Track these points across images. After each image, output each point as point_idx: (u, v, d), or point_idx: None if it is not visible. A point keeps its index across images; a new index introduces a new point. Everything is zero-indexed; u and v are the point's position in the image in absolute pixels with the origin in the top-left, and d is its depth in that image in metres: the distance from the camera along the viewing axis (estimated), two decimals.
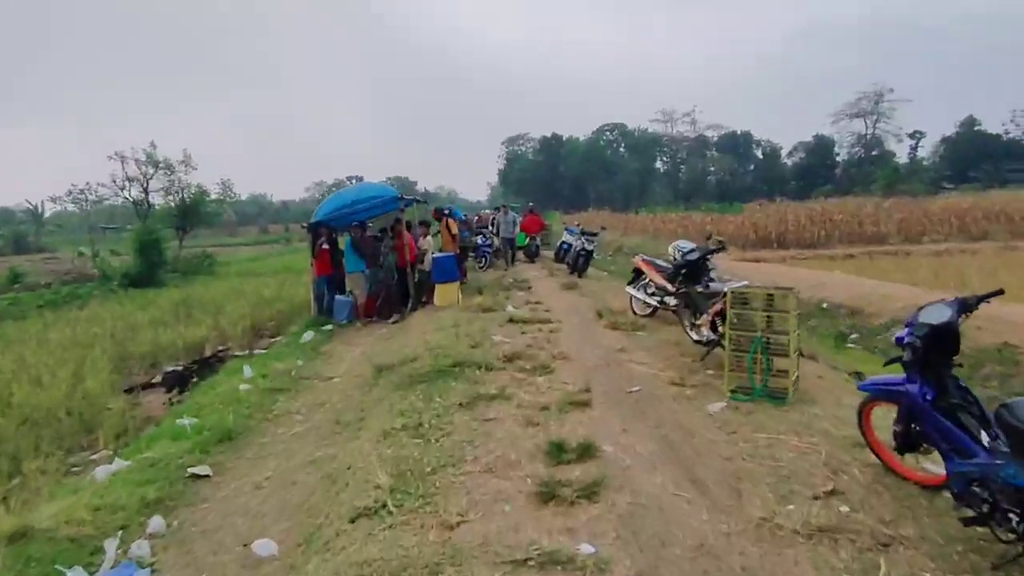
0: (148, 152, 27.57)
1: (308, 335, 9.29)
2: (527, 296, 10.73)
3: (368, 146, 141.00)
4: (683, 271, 6.93)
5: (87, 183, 36.34)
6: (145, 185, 28.18)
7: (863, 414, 3.62)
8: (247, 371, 7.03)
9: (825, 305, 9.91)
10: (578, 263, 13.70)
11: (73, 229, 62.05)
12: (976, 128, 69.93)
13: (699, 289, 6.49)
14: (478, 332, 7.46)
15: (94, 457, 5.71)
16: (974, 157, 63.81)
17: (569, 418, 4.57)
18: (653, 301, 8.37)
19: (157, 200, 28.63)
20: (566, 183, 75.88)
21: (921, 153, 74.17)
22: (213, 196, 29.83)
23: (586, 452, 3.85)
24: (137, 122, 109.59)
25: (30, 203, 63.06)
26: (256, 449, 4.94)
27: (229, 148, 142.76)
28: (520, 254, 18.32)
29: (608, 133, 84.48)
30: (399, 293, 10.72)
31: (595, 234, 14.25)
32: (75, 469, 5.40)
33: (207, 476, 4.37)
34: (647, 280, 8.66)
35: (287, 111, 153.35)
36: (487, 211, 28.91)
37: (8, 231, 58.64)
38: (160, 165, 27.71)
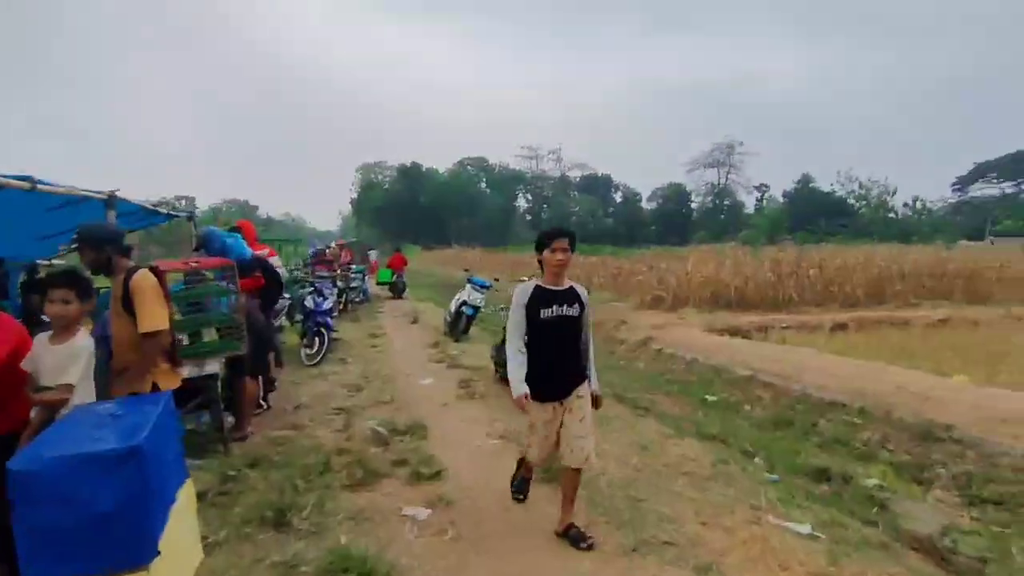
0: None
1: None
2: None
3: (201, 164, 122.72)
4: None
5: None
6: None
7: None
8: None
9: None
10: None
11: None
12: (811, 185, 74.18)
13: None
14: None
15: None
16: (810, 212, 67.41)
17: None
18: None
19: None
20: (426, 216, 69.03)
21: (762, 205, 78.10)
22: None
23: None
24: None
25: None
26: None
27: (35, 156, 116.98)
28: (382, 290, 18.70)
29: (469, 167, 79.43)
30: None
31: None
32: None
33: None
34: None
35: (108, 119, 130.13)
36: (332, 245, 20.61)
37: None
38: None
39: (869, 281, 16.92)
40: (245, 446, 4.56)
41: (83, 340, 2.92)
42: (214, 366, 4.33)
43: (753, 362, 8.77)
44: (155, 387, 3.03)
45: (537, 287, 3.24)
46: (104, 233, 3.14)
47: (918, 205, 63.68)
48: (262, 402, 5.65)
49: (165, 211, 6.43)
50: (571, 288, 3.27)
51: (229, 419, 4.81)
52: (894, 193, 62.98)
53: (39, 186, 3.41)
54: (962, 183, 72.05)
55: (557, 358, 3.19)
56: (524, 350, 3.15)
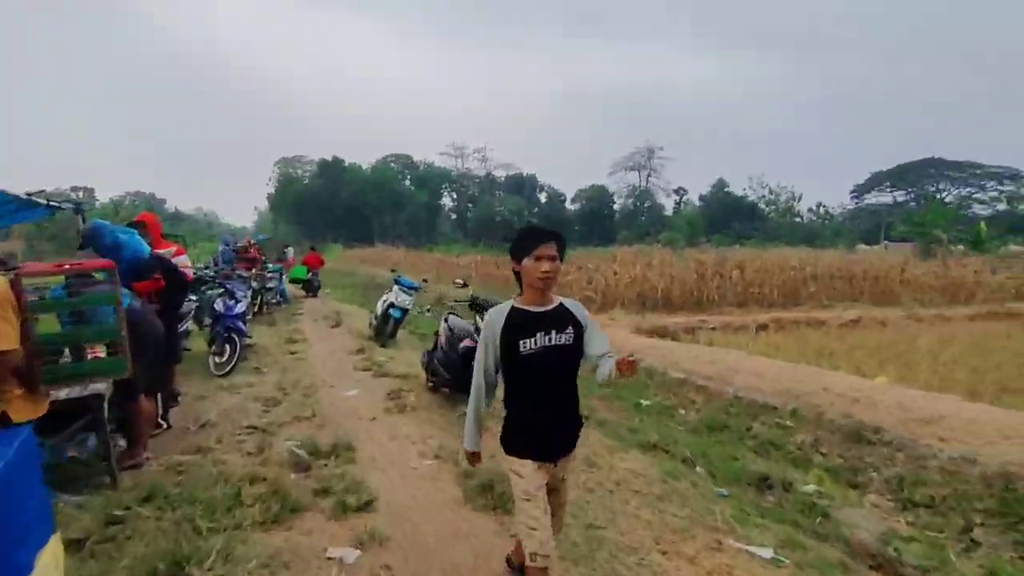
0: None
1: None
2: None
3: (104, 154, 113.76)
4: None
5: None
6: None
7: None
8: None
9: None
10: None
11: None
12: (726, 190, 77.59)
13: None
14: None
15: None
16: (725, 216, 70.46)
17: None
18: None
19: None
20: (348, 213, 67.01)
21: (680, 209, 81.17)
22: None
23: None
24: None
25: None
26: None
27: None
28: (296, 288, 17.68)
29: (393, 164, 77.83)
30: None
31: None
32: None
33: None
34: None
35: None
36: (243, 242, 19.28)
37: None
38: None
39: (785, 283, 17.68)
40: (139, 476, 3.94)
41: None
42: (100, 384, 3.69)
43: (685, 364, 8.78)
44: (6, 418, 2.44)
45: (514, 309, 2.30)
46: None
47: (821, 211, 68.17)
48: (161, 421, 4.99)
49: (45, 202, 5.56)
50: (560, 307, 2.34)
51: (120, 443, 4.16)
52: (800, 199, 67.13)
53: None
54: (859, 191, 77.62)
55: (546, 406, 2.31)
56: (485, 396, 2.36)
